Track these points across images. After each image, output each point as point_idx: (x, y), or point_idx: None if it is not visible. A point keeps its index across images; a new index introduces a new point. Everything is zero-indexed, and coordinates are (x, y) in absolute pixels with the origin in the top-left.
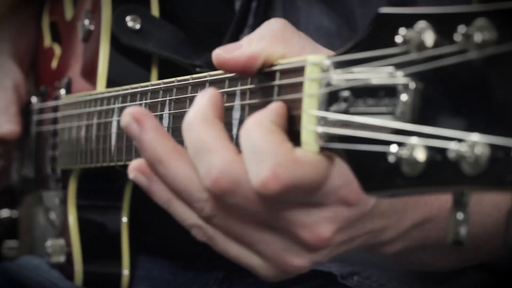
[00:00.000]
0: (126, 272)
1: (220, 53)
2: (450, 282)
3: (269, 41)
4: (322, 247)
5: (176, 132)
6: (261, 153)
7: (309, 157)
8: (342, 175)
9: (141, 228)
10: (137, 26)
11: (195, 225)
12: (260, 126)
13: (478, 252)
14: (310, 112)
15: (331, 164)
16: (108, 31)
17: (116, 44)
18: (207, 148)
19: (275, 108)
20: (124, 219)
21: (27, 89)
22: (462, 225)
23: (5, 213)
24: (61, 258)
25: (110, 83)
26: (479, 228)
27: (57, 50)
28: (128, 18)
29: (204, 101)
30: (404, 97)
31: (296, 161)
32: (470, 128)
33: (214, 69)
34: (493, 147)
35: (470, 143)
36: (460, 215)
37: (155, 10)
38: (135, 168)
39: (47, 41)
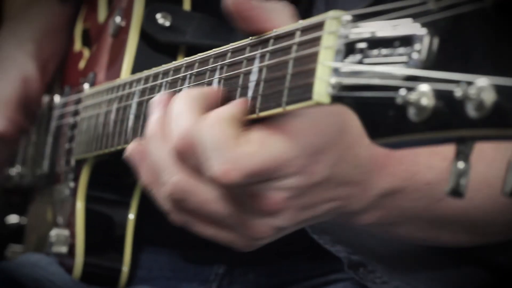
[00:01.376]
0: (126, 269)
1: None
2: (452, 282)
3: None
4: (276, 211)
5: None
6: (218, 148)
7: (251, 146)
8: (284, 154)
9: (142, 223)
10: (167, 24)
11: (172, 210)
12: (219, 122)
13: (471, 228)
14: (325, 64)
15: (272, 147)
16: (138, 27)
17: (144, 39)
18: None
19: (237, 104)
20: (131, 216)
21: (42, 87)
22: (462, 175)
23: (14, 219)
24: (63, 249)
25: None
26: (467, 201)
27: (86, 53)
28: (158, 15)
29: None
30: (418, 46)
31: (247, 154)
32: (479, 72)
33: None
34: (500, 90)
35: (477, 86)
36: (461, 164)
37: (187, 5)
38: (131, 148)
39: (77, 45)
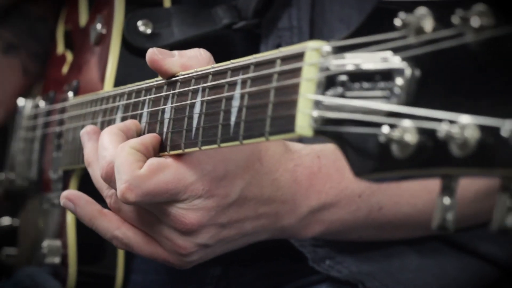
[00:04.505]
0: (120, 275)
1: (156, 53)
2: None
3: (194, 64)
4: (193, 231)
5: (176, 122)
6: (120, 171)
7: (148, 173)
8: (184, 179)
9: None
10: (149, 31)
11: (113, 237)
12: (123, 150)
13: (421, 227)
14: (307, 96)
15: (168, 173)
16: (119, 35)
17: (126, 47)
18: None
19: (143, 138)
20: None
21: None
22: (449, 210)
23: (6, 221)
24: (56, 260)
25: (118, 85)
26: (410, 207)
27: (69, 56)
28: (139, 23)
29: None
30: (399, 80)
31: (139, 177)
32: (462, 110)
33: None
34: (483, 129)
35: (460, 125)
36: (447, 200)
37: (167, 2)
38: (64, 197)
39: (60, 48)
